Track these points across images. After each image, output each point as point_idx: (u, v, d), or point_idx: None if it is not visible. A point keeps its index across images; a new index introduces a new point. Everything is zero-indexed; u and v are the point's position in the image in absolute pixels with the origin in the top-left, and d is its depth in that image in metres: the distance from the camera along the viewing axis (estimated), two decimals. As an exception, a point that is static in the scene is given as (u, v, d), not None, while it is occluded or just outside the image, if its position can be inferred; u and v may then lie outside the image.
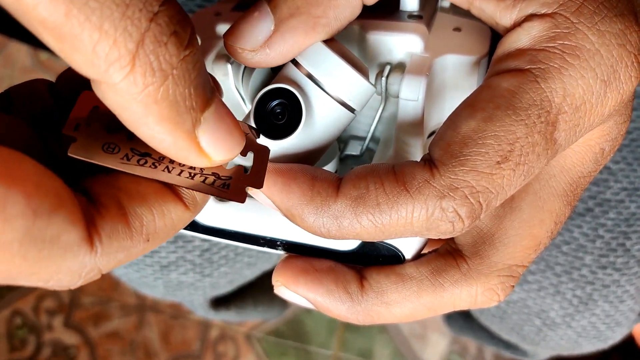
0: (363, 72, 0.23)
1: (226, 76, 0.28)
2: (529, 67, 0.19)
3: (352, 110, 0.23)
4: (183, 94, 0.15)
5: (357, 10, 0.21)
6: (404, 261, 0.24)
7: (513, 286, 0.24)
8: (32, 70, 1.17)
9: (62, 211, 0.15)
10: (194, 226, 0.26)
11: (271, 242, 0.25)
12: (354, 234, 0.20)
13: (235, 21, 0.21)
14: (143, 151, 0.18)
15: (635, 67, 0.20)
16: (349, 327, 1.02)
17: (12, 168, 0.14)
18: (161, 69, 0.15)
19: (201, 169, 0.18)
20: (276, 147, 0.22)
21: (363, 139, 0.28)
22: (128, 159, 0.17)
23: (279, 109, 0.22)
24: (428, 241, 0.24)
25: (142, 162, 0.17)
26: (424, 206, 0.19)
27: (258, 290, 0.57)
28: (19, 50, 1.18)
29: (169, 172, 0.18)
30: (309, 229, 0.21)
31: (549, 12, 0.20)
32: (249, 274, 0.49)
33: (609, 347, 0.47)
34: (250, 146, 0.20)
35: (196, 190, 0.18)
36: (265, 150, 0.20)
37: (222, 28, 0.28)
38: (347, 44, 0.27)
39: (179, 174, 0.18)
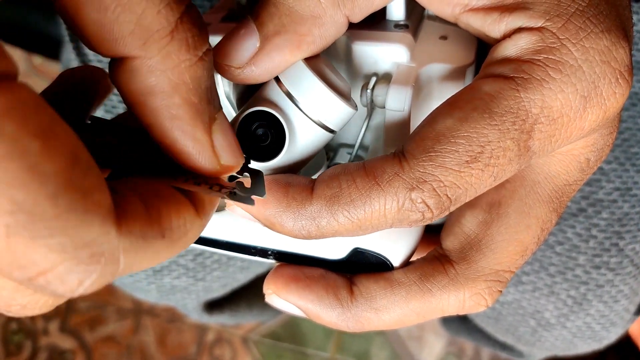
0: (343, 93, 0.23)
1: (217, 86, 0.29)
2: (512, 75, 0.20)
3: (331, 131, 0.23)
4: (206, 83, 0.16)
5: (343, 28, 0.22)
6: (392, 269, 0.24)
7: (500, 291, 0.24)
8: (26, 74, 1.17)
9: (95, 171, 0.14)
10: None
11: (262, 252, 0.25)
12: (333, 232, 0.21)
13: (223, 38, 0.22)
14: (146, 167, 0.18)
15: (620, 83, 0.20)
16: (345, 329, 1.02)
17: (55, 116, 0.13)
18: (195, 47, 0.16)
19: (205, 178, 0.18)
20: (257, 165, 0.23)
21: (353, 146, 0.28)
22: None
23: (261, 131, 0.22)
24: (416, 249, 0.24)
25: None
26: (394, 198, 0.20)
27: (252, 293, 0.58)
28: (13, 55, 1.17)
29: (175, 179, 0.18)
30: (290, 233, 0.21)
31: (537, 26, 0.20)
32: (242, 278, 0.49)
33: (605, 347, 0.47)
34: (244, 169, 0.20)
35: (205, 193, 0.18)
36: (259, 172, 0.21)
37: (210, 39, 0.28)
38: (334, 54, 0.27)
39: (185, 181, 0.18)
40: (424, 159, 0.20)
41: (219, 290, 0.49)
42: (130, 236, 0.15)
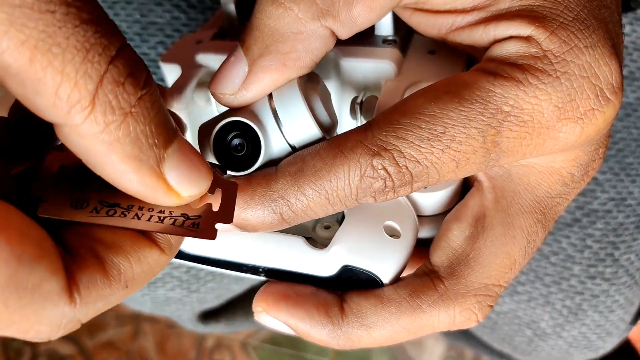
0: (328, 128, 0.23)
1: (209, 102, 0.28)
2: (493, 71, 0.20)
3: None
4: (144, 131, 0.16)
5: (329, 41, 0.22)
6: (382, 286, 0.24)
7: (491, 306, 0.24)
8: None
9: (44, 260, 0.15)
10: (178, 254, 0.26)
11: (253, 269, 0.25)
12: (304, 209, 0.21)
13: (218, 68, 0.22)
14: (112, 202, 0.18)
15: (600, 101, 0.20)
16: (345, 335, 1.02)
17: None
18: (120, 107, 0.15)
19: (170, 211, 0.18)
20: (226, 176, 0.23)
21: None
22: (97, 212, 0.18)
23: (237, 141, 0.22)
24: (406, 265, 0.24)
25: (111, 212, 0.18)
26: (357, 164, 0.20)
27: (248, 301, 0.57)
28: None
29: (139, 218, 0.18)
30: (264, 223, 0.21)
31: (525, 35, 0.20)
32: (237, 289, 0.49)
33: (604, 356, 0.47)
34: (217, 183, 0.20)
35: (167, 233, 0.18)
36: (233, 185, 0.20)
37: (202, 57, 0.29)
38: (324, 69, 0.27)
39: (149, 220, 0.18)
40: (387, 129, 0.20)
41: (213, 301, 0.49)
42: (88, 305, 0.16)
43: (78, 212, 0.18)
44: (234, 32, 0.30)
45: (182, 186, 0.18)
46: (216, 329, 0.57)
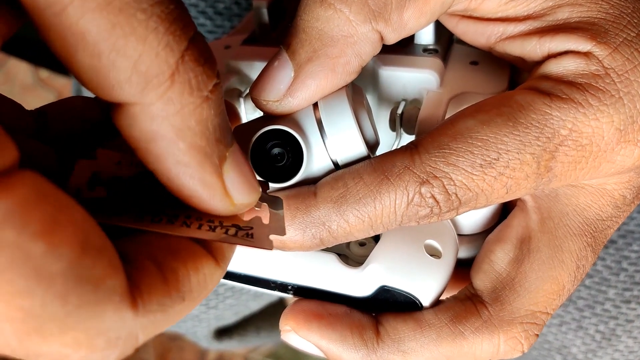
0: (372, 145, 0.22)
1: (238, 110, 0.27)
2: (548, 91, 0.19)
3: (338, 168, 0.22)
4: (214, 123, 0.15)
5: (377, 45, 0.21)
6: (421, 309, 0.23)
7: (537, 335, 0.23)
8: (32, 87, 1.16)
9: (107, 253, 0.13)
10: None
11: (282, 286, 0.24)
12: (345, 234, 0.20)
13: (260, 73, 0.21)
14: (155, 208, 0.17)
15: None
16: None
17: (62, 203, 0.13)
18: (199, 88, 0.14)
19: (220, 221, 0.17)
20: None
21: None
22: (141, 218, 0.16)
23: (277, 151, 0.21)
24: (446, 287, 0.23)
25: (156, 219, 0.16)
26: (404, 192, 0.19)
27: (260, 317, 0.56)
28: (19, 67, 1.17)
29: (188, 226, 0.16)
30: (302, 246, 0.20)
31: (584, 50, 0.19)
32: (255, 306, 0.48)
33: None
34: (261, 198, 0.19)
35: (222, 242, 0.17)
36: (279, 200, 0.20)
37: (232, 63, 0.28)
38: (361, 79, 0.26)
39: (199, 228, 0.16)
40: (437, 154, 0.19)
41: (230, 318, 0.48)
42: (148, 314, 0.14)
43: (121, 217, 0.16)
44: (266, 37, 0.29)
45: (237, 191, 0.16)
46: (229, 346, 0.56)
